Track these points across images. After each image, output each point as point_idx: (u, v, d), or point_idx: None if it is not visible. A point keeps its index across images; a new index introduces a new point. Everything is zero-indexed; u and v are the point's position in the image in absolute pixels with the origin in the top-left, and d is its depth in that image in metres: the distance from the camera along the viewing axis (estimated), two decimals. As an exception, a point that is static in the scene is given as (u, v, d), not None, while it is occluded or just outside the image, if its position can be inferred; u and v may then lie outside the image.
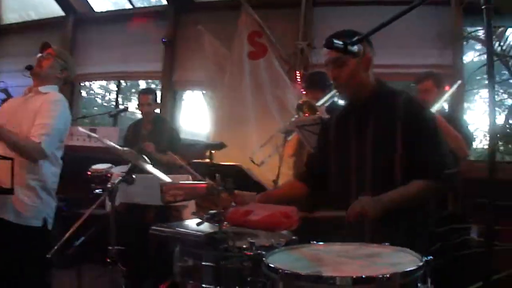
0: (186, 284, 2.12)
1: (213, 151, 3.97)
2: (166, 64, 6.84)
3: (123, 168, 4.61)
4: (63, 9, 7.52)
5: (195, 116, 9.34)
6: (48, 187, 3.14)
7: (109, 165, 4.80)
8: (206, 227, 2.14)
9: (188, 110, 8.05)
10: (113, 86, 14.19)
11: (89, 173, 4.76)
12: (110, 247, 2.86)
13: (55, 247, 2.79)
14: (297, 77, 5.73)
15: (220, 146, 4.12)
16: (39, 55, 3.29)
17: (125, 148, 3.31)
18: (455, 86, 3.99)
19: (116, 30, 7.33)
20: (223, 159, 4.39)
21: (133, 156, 3.13)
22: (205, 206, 4.35)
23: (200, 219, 2.20)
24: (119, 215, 3.00)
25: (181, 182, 2.97)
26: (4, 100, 4.61)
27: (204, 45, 6.30)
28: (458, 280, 2.85)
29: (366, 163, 2.23)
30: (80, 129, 3.08)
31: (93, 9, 7.66)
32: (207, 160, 3.99)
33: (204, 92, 7.19)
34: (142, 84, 12.32)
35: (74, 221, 3.46)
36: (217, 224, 2.04)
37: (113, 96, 14.55)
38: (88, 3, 7.63)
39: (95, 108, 14.45)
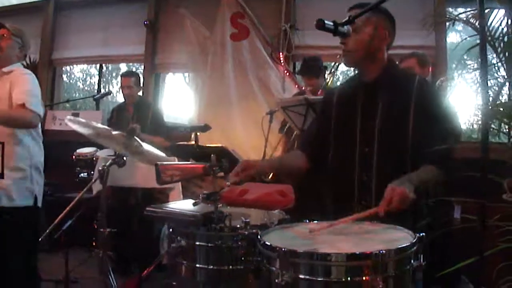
0: (179, 264, 2.09)
1: (198, 133, 4.00)
2: (148, 47, 6.78)
3: (109, 152, 4.61)
4: (43, -7, 7.41)
5: (177, 99, 9.30)
6: (36, 164, 3.09)
7: (94, 148, 4.77)
8: (199, 207, 2.13)
9: (170, 93, 7.99)
10: (93, 70, 14.05)
11: (73, 157, 4.74)
12: (101, 230, 2.86)
13: (47, 231, 2.76)
14: (280, 58, 5.74)
15: (205, 128, 4.15)
16: None
17: (115, 132, 3.25)
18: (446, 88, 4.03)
19: (97, 14, 7.24)
20: (207, 140, 4.41)
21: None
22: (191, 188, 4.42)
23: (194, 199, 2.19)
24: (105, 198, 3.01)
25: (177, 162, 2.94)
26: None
27: (185, 27, 6.28)
28: (448, 256, 2.87)
29: (373, 143, 2.16)
30: (68, 122, 2.99)
31: (73, -7, 7.55)
32: (192, 142, 4.02)
33: (186, 74, 7.17)
34: (124, 68, 12.23)
35: (59, 205, 3.47)
36: (212, 204, 2.04)
37: (94, 80, 14.42)
38: (68, -13, 7.50)
39: (77, 93, 14.28)
